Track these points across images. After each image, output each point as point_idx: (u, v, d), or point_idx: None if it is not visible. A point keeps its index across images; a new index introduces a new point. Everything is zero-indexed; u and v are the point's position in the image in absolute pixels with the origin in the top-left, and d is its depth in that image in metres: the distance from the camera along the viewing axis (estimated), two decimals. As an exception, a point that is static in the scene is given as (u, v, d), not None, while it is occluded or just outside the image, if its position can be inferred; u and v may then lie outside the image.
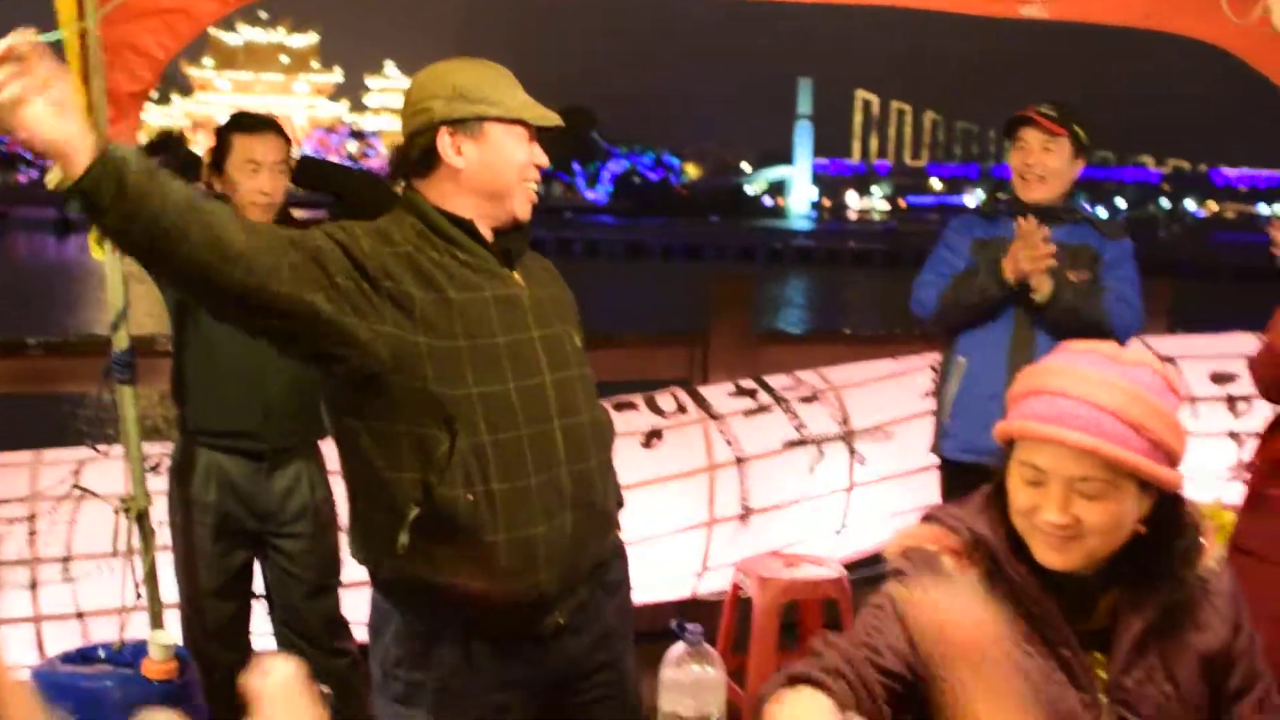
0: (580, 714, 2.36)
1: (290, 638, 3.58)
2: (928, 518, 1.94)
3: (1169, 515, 1.80)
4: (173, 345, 3.47)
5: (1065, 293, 3.62)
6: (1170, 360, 4.80)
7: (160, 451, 3.77)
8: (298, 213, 3.62)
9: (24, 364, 4.48)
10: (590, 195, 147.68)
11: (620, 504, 2.43)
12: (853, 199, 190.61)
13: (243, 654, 3.64)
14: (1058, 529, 1.74)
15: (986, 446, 3.63)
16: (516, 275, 2.28)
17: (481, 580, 2.17)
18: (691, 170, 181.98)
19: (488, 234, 2.27)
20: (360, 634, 3.50)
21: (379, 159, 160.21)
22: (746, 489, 4.24)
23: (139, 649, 3.09)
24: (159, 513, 3.44)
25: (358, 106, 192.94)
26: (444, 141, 2.22)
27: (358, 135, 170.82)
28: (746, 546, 4.27)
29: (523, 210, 2.29)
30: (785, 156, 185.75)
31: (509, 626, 2.24)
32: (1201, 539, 1.86)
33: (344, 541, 2.76)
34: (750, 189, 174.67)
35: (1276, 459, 3.22)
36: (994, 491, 1.87)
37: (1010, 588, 1.79)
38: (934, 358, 4.68)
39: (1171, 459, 1.76)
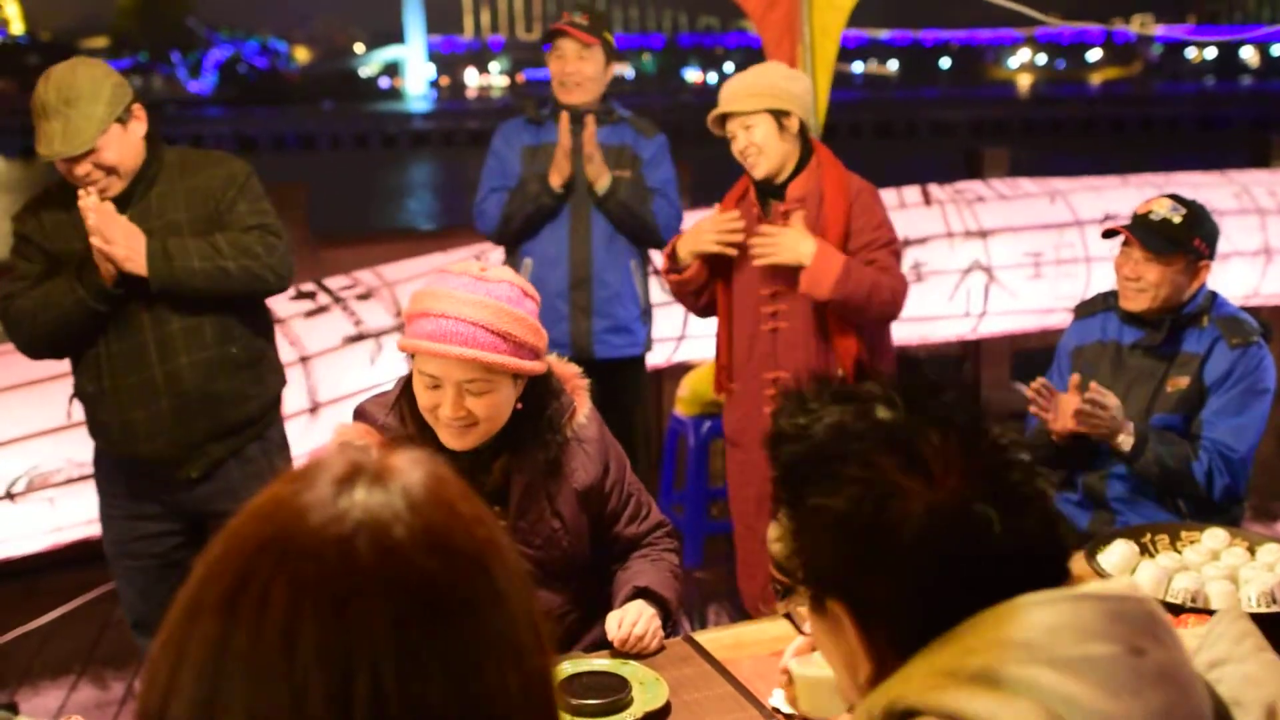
0: None
1: None
2: (358, 413, 2.38)
3: (537, 394, 2.30)
4: None
5: (620, 189, 4.02)
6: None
7: None
8: None
9: None
10: (194, 87, 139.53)
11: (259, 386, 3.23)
12: (472, 76, 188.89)
13: None
14: (455, 421, 2.20)
15: (555, 340, 4.14)
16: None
17: (106, 445, 3.19)
18: (301, 54, 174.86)
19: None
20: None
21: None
22: (313, 385, 4.62)
23: None
24: None
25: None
26: None
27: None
28: (319, 438, 4.66)
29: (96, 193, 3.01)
30: (398, 36, 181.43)
31: (152, 475, 3.17)
32: (573, 402, 2.38)
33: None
34: (365, 71, 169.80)
35: (724, 363, 3.75)
36: (401, 389, 2.32)
37: None
38: (481, 248, 5.15)
39: (534, 352, 2.23)
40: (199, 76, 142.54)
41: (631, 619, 2.31)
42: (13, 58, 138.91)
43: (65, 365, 3.25)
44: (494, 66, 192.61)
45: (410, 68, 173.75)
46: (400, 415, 2.30)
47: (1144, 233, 3.11)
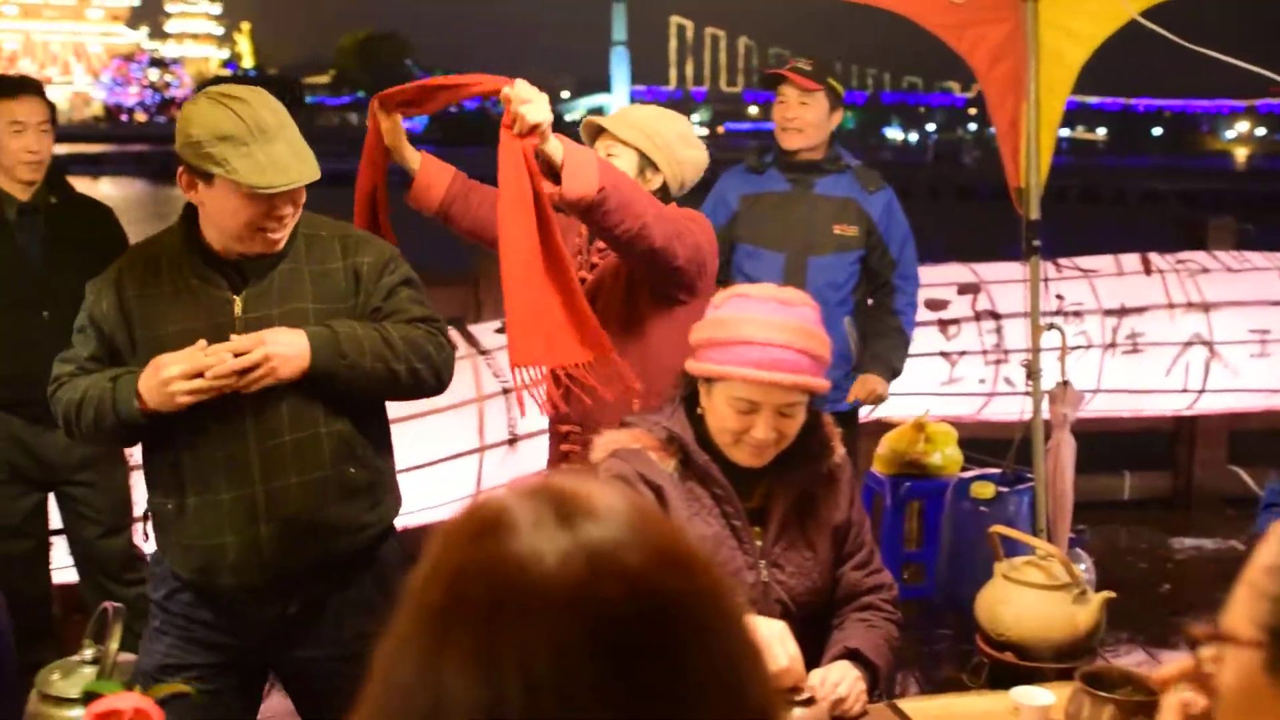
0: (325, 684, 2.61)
1: (88, 570, 3.91)
2: (624, 424, 2.40)
3: (810, 418, 2.33)
4: None
5: (891, 361, 4.07)
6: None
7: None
8: (76, 180, 3.89)
9: None
10: (407, 125, 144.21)
11: (375, 506, 2.60)
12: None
13: (43, 586, 3.96)
14: (767, 442, 2.24)
15: None
16: (238, 301, 2.45)
17: (186, 571, 2.52)
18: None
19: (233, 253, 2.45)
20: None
21: (183, 89, 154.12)
22: (513, 417, 4.66)
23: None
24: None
25: (158, 33, 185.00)
26: (182, 179, 2.40)
27: (159, 64, 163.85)
28: (516, 469, 4.70)
29: (254, 249, 2.42)
30: (603, 84, 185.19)
31: (231, 610, 2.54)
32: (831, 438, 2.38)
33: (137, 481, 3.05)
34: (570, 117, 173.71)
35: None
36: (684, 400, 2.36)
37: (699, 472, 2.30)
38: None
39: (825, 370, 2.28)
40: (412, 116, 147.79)
41: (835, 678, 2.23)
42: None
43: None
44: (695, 117, 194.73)
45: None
46: (680, 421, 2.34)
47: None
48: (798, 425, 2.28)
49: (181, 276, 2.45)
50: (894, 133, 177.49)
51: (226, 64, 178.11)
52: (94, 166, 53.53)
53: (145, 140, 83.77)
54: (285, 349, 2.35)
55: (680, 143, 3.04)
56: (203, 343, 2.34)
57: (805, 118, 4.02)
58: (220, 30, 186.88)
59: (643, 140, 2.99)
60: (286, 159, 2.33)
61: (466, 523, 0.75)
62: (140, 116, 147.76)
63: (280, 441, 2.45)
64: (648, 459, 2.30)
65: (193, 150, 2.31)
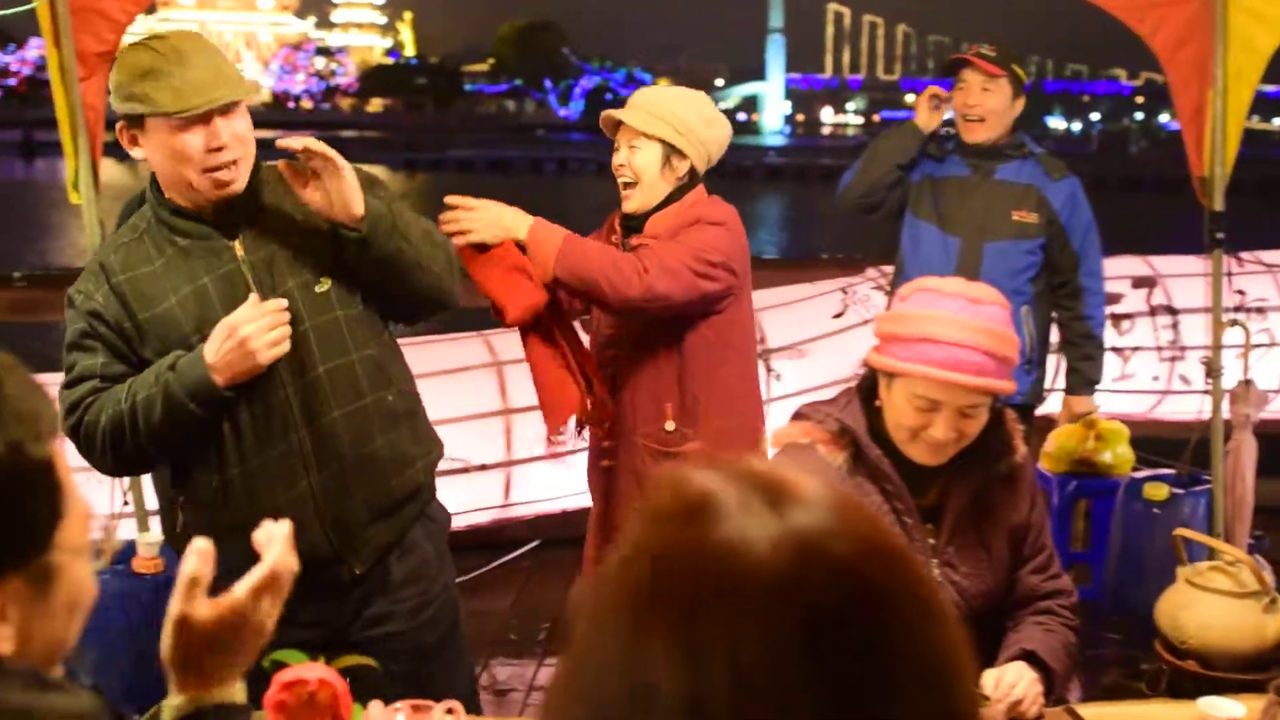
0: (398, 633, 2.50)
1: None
2: (798, 415, 2.37)
3: (993, 415, 2.25)
4: None
5: (1090, 374, 4.01)
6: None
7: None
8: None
9: (11, 295, 4.86)
10: (563, 112, 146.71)
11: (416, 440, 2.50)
12: (827, 114, 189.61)
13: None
14: (947, 441, 2.17)
15: None
16: (237, 245, 2.35)
17: (241, 558, 2.35)
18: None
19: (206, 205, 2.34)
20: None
21: (347, 77, 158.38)
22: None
23: (128, 548, 3.32)
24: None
25: (324, 23, 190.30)
26: (122, 136, 2.32)
27: (325, 52, 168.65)
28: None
29: (211, 194, 2.30)
30: (758, 72, 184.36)
31: (301, 583, 2.38)
32: (1012, 437, 2.31)
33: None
34: (724, 105, 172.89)
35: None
36: (859, 392, 2.30)
37: (870, 467, 2.25)
38: (845, 281, 5.09)
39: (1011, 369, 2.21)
40: (568, 103, 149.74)
41: (1010, 680, 2.17)
42: (403, 77, 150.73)
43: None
44: (850, 105, 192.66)
45: (768, 103, 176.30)
46: (853, 413, 2.28)
47: None
48: (979, 425, 2.20)
49: (169, 245, 2.35)
50: (1056, 122, 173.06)
51: (389, 52, 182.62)
52: (262, 151, 55.04)
53: (311, 126, 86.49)
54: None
55: (703, 124, 3.03)
56: (255, 297, 2.27)
57: (987, 104, 3.91)
58: (384, 20, 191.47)
59: (665, 129, 2.98)
60: (205, 79, 2.23)
61: (671, 503, 0.72)
62: (306, 104, 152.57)
63: (315, 375, 2.34)
64: (816, 455, 2.26)
65: (120, 98, 2.25)
